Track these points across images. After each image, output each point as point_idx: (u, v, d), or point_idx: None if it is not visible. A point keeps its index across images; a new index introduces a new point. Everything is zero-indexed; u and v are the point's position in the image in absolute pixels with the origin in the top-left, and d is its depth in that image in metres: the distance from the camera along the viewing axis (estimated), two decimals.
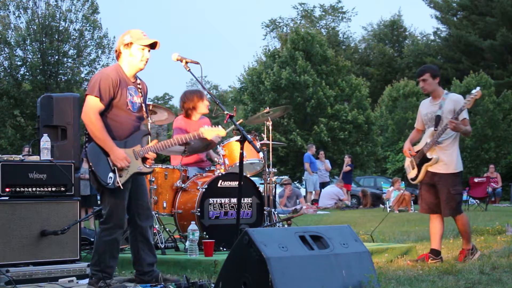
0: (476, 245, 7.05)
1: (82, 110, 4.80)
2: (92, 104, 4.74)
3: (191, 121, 7.33)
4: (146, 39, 4.90)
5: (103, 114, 4.79)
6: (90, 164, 4.72)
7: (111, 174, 4.73)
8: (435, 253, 6.35)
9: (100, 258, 4.85)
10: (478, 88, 6.28)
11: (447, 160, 6.27)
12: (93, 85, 4.78)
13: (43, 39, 23.80)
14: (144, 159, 4.92)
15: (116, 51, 5.00)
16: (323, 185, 19.59)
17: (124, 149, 4.81)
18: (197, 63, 5.11)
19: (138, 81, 5.02)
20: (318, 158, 19.79)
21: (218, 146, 7.13)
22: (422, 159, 6.36)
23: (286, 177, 20.97)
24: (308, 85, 28.49)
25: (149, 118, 5.10)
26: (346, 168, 20.49)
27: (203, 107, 7.37)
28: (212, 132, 5.25)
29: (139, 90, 4.98)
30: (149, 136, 5.24)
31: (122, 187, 4.75)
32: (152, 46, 4.93)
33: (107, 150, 4.73)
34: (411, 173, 6.50)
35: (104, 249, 4.86)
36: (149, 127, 6.32)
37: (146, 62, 4.92)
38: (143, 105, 4.99)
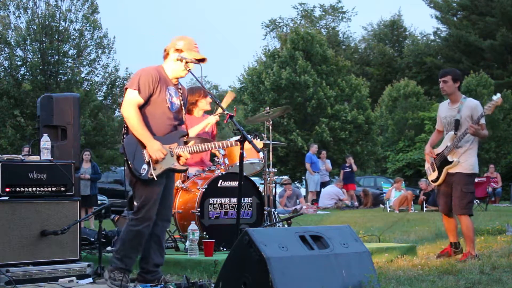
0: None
1: (122, 104, 4.92)
2: (132, 98, 4.85)
3: (194, 118, 7.28)
4: (197, 53, 5.01)
5: (141, 109, 4.89)
6: (126, 155, 4.82)
7: (145, 166, 4.83)
8: (455, 245, 6.67)
9: (122, 246, 4.95)
10: (498, 95, 6.56)
11: (464, 161, 6.54)
12: (133, 79, 4.92)
13: (43, 39, 23.78)
14: (178, 158, 5.01)
15: (165, 50, 5.07)
16: (323, 184, 19.61)
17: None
18: (197, 63, 5.12)
19: (180, 86, 5.13)
20: (320, 157, 19.83)
21: None
22: (442, 162, 6.63)
23: (286, 177, 20.98)
24: (308, 85, 28.46)
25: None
26: (354, 167, 20.67)
27: (205, 103, 7.34)
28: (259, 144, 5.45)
29: (180, 92, 5.09)
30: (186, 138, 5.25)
31: (155, 178, 4.84)
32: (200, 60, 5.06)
33: (144, 142, 4.83)
34: (432, 175, 6.76)
35: (127, 238, 4.94)
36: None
37: (187, 74, 5.05)
38: (182, 107, 5.09)
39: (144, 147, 4.84)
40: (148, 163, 4.84)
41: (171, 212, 5.36)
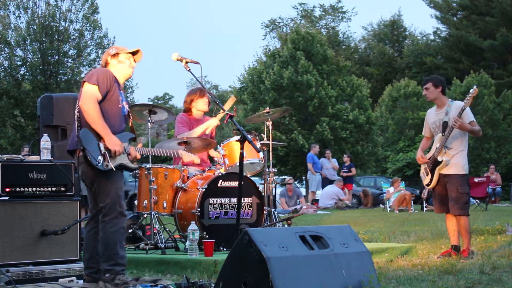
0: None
1: (81, 97, 4.84)
2: (91, 91, 4.81)
3: (194, 118, 7.39)
4: (128, 49, 5.03)
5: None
6: (83, 145, 4.75)
7: (100, 157, 4.79)
8: (457, 248, 6.71)
9: (111, 252, 4.81)
10: (474, 86, 6.70)
11: (456, 162, 6.63)
12: (92, 75, 4.89)
13: (43, 39, 23.80)
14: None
15: (102, 60, 5.10)
16: (331, 183, 19.60)
17: None
18: (197, 63, 5.12)
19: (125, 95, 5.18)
20: (325, 157, 19.89)
21: (218, 146, 7.14)
22: (434, 164, 6.72)
23: (288, 177, 20.99)
24: (310, 85, 28.44)
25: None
26: (353, 171, 20.68)
27: (201, 103, 7.39)
28: (189, 157, 5.78)
29: (127, 98, 5.12)
30: (135, 142, 5.25)
31: (114, 169, 4.81)
32: (135, 55, 5.07)
33: (104, 135, 4.79)
34: (426, 179, 6.84)
35: (114, 241, 4.82)
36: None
37: (133, 70, 5.05)
38: (129, 114, 5.12)
39: (100, 140, 4.80)
40: (104, 156, 4.80)
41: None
